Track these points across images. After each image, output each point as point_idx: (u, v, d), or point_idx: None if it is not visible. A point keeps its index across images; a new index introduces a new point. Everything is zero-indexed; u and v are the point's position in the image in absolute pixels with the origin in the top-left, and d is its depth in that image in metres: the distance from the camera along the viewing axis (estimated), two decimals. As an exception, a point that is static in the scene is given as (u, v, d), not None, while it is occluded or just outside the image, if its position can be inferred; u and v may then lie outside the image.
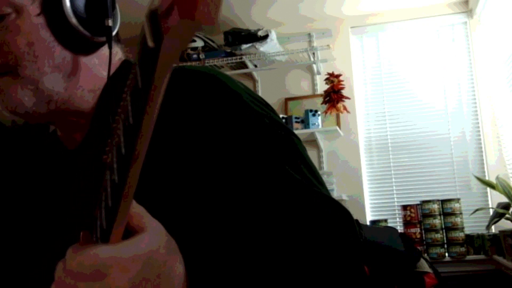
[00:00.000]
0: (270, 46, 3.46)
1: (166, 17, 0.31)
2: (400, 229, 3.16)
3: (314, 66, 3.63)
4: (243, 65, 3.65)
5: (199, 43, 3.56)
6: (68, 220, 0.70)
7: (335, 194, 3.35)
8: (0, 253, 0.76)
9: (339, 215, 0.65)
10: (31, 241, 0.73)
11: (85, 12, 0.66)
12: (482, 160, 3.40)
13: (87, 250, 0.45)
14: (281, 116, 3.42)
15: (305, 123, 3.45)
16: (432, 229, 3.11)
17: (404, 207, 3.24)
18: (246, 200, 0.62)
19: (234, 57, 3.52)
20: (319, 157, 3.59)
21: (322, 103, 3.44)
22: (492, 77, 3.35)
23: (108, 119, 0.70)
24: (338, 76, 3.42)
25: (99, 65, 0.74)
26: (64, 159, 0.76)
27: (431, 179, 3.45)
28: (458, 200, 3.14)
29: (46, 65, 0.68)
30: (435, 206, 3.13)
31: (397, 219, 3.44)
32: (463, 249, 3.05)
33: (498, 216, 2.84)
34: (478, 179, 3.12)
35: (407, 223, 3.20)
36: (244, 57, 3.51)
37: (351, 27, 3.70)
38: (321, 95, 3.49)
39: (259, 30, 3.46)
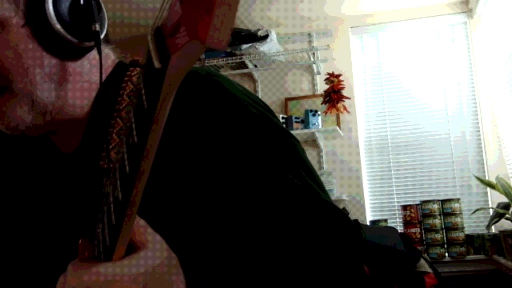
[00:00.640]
0: (270, 46, 3.46)
1: (172, 36, 0.30)
2: (400, 229, 3.16)
3: (314, 66, 3.63)
4: (243, 65, 3.65)
5: (199, 43, 3.56)
6: (68, 220, 0.70)
7: (335, 194, 3.35)
8: (0, 254, 0.76)
9: (337, 221, 0.64)
10: (31, 241, 0.73)
11: (70, 18, 0.64)
12: (482, 160, 3.40)
13: (88, 267, 0.45)
14: (281, 116, 3.42)
15: (305, 123, 3.44)
16: (432, 229, 3.11)
17: (404, 207, 3.24)
18: (246, 205, 0.62)
19: (234, 57, 3.52)
20: (319, 157, 3.59)
21: (322, 103, 3.44)
22: (492, 77, 3.35)
23: (104, 123, 0.70)
24: (338, 76, 3.42)
25: (91, 69, 0.72)
26: (63, 160, 0.75)
27: (431, 179, 3.45)
28: (458, 200, 3.14)
29: (38, 76, 0.67)
30: (435, 206, 3.13)
31: (397, 219, 3.44)
32: (463, 249, 3.05)
33: (498, 216, 2.84)
34: (478, 179, 3.12)
35: (407, 223, 3.20)
36: (244, 57, 3.51)
37: (351, 27, 3.70)
38: (321, 95, 3.49)
39: (259, 30, 3.46)
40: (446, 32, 3.59)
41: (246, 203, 0.62)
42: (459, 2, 3.51)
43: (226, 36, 0.29)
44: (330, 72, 3.46)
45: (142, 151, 0.36)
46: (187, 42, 0.29)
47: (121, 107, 0.69)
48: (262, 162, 0.64)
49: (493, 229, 3.07)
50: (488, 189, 3.26)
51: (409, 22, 3.61)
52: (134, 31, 3.58)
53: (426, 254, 3.05)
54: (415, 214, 3.18)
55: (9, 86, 0.66)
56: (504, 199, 2.87)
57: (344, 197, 3.40)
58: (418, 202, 3.21)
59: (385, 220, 3.32)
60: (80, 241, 0.50)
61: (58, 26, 0.63)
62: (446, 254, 3.10)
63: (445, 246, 3.11)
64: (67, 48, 0.66)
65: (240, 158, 0.63)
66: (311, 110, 3.44)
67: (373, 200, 3.57)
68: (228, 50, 3.54)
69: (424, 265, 2.34)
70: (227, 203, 0.62)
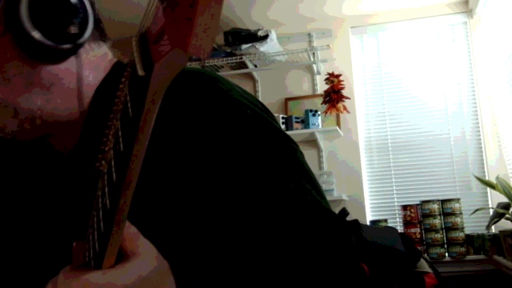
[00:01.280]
0: (270, 46, 3.46)
1: (156, 44, 0.30)
2: (400, 229, 3.16)
3: (314, 66, 3.63)
4: (243, 65, 3.65)
5: (199, 43, 3.56)
6: (67, 220, 0.70)
7: (335, 194, 3.35)
8: (0, 254, 0.76)
9: (333, 228, 0.64)
10: (31, 241, 0.73)
11: (46, 21, 0.62)
12: (482, 160, 3.40)
13: (78, 275, 0.45)
14: (281, 116, 3.42)
15: (305, 123, 3.44)
16: (432, 229, 3.11)
17: (404, 207, 3.24)
18: (240, 210, 0.61)
19: (234, 57, 3.52)
20: (319, 157, 3.59)
21: (322, 103, 3.44)
22: (492, 77, 3.35)
23: (100, 124, 0.70)
24: (338, 76, 3.42)
25: (83, 70, 0.71)
26: (61, 160, 0.75)
27: (431, 179, 3.45)
28: (458, 200, 3.14)
29: (19, 84, 0.65)
30: (435, 206, 3.13)
31: (397, 219, 3.44)
32: (463, 249, 3.05)
33: (498, 216, 2.84)
34: (478, 179, 3.12)
35: (407, 223, 3.20)
36: (244, 57, 3.51)
37: (351, 27, 3.70)
38: (321, 95, 3.49)
39: (259, 30, 3.46)
40: (446, 32, 3.59)
41: (241, 208, 0.61)
42: (459, 2, 3.51)
43: (208, 44, 0.28)
44: (330, 72, 3.46)
45: (128, 159, 0.35)
46: (170, 50, 0.29)
47: (118, 109, 0.69)
48: (258, 166, 0.63)
49: (493, 229, 3.07)
50: (488, 189, 3.26)
51: (409, 22, 3.61)
52: (134, 31, 3.58)
53: (426, 254, 3.05)
54: (415, 214, 3.18)
55: None
56: (504, 199, 2.87)
57: (344, 197, 3.40)
58: (418, 202, 3.21)
59: (385, 220, 3.32)
60: (74, 244, 0.50)
61: (33, 31, 0.62)
62: (446, 254, 3.10)
63: (445, 246, 3.11)
64: (47, 52, 0.64)
65: (235, 162, 0.63)
66: (311, 110, 3.44)
67: (373, 200, 3.57)
68: (228, 50, 3.54)
69: (424, 265, 2.34)
70: (222, 207, 0.62)
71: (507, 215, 2.79)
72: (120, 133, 0.36)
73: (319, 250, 0.62)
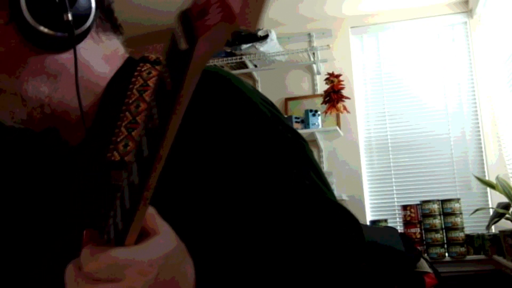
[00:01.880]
0: (270, 46, 3.46)
1: (200, 19, 0.31)
2: (400, 229, 3.16)
3: (314, 66, 3.63)
4: (243, 65, 3.65)
5: (199, 43, 3.56)
6: (67, 220, 0.70)
7: (335, 194, 3.34)
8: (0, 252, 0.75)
9: (345, 222, 0.65)
10: (31, 240, 0.73)
11: (42, 8, 0.63)
12: (482, 160, 3.40)
13: (104, 251, 0.45)
14: (281, 116, 3.42)
15: (305, 123, 3.45)
16: (432, 229, 3.11)
17: (404, 207, 3.24)
18: (254, 203, 0.63)
19: (234, 57, 3.52)
20: (319, 157, 3.58)
21: (322, 103, 3.44)
22: (492, 77, 3.35)
23: (111, 116, 0.70)
24: (338, 76, 3.42)
25: (93, 59, 0.72)
26: (64, 157, 0.75)
27: (431, 179, 3.45)
28: (458, 200, 3.14)
29: (24, 72, 0.66)
30: (435, 206, 3.13)
31: (397, 219, 3.44)
32: (463, 249, 3.05)
33: (498, 216, 2.84)
34: (478, 179, 3.12)
35: (407, 223, 3.20)
36: (244, 57, 3.51)
37: (351, 27, 3.70)
38: (321, 95, 3.49)
39: (259, 30, 3.46)
40: (446, 32, 3.59)
41: (253, 200, 0.63)
42: (459, 2, 3.51)
43: (257, 18, 0.29)
44: (330, 72, 3.46)
45: (163, 133, 0.36)
46: (217, 23, 0.29)
47: (130, 101, 0.69)
48: (273, 161, 0.64)
49: (493, 229, 3.07)
50: (488, 189, 3.26)
51: (409, 22, 3.61)
52: (134, 31, 3.58)
53: (426, 254, 3.05)
54: (415, 214, 3.18)
55: None
56: (504, 199, 2.87)
57: (344, 197, 3.40)
58: (418, 202, 3.21)
59: (385, 220, 3.32)
60: (85, 231, 0.50)
61: (30, 18, 0.63)
62: (446, 254, 3.10)
63: (445, 246, 3.11)
64: (47, 40, 0.65)
65: (250, 158, 0.64)
66: (311, 110, 3.44)
67: (373, 200, 3.57)
68: (228, 50, 3.54)
69: (424, 265, 2.34)
70: (234, 199, 0.63)
71: (507, 215, 2.79)
72: (155, 109, 0.37)
73: (323, 241, 0.62)
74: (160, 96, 0.36)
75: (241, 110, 0.67)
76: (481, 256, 3.01)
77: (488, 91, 3.41)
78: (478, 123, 3.44)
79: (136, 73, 0.73)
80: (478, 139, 3.43)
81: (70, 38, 0.65)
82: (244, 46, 3.45)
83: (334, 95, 3.36)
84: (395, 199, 3.52)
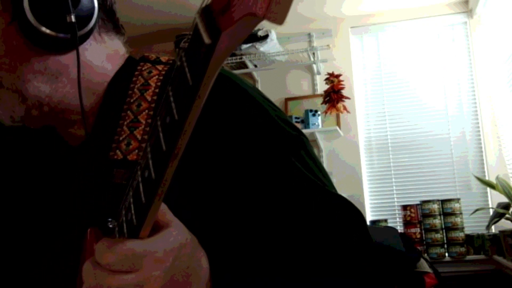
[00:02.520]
0: (270, 46, 3.46)
1: (223, 14, 0.31)
2: (400, 229, 3.16)
3: (314, 66, 3.63)
4: (243, 65, 3.65)
5: (199, 43, 3.56)
6: (68, 219, 0.70)
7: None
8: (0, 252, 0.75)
9: (348, 213, 0.66)
10: (30, 240, 0.73)
11: (45, 9, 0.64)
12: (482, 160, 3.40)
13: (121, 243, 0.46)
14: (281, 116, 3.42)
15: (305, 123, 3.45)
16: (432, 229, 3.11)
17: (404, 207, 3.24)
18: (257, 198, 0.63)
19: (234, 57, 3.52)
20: (319, 157, 3.58)
21: (322, 103, 3.44)
22: (492, 77, 3.35)
23: (113, 116, 0.70)
24: (338, 76, 3.42)
25: (95, 60, 0.72)
26: (64, 157, 0.75)
27: (431, 179, 3.45)
28: (458, 200, 3.14)
29: (26, 71, 0.67)
30: (435, 206, 3.13)
31: (397, 219, 3.44)
32: (463, 249, 3.05)
33: (498, 216, 2.84)
34: (478, 179, 3.12)
35: (407, 223, 3.20)
36: (244, 57, 3.51)
37: (351, 27, 3.70)
38: (321, 95, 3.49)
39: (259, 30, 3.46)
40: (446, 32, 3.59)
41: (256, 194, 0.64)
42: (459, 2, 3.51)
43: (285, 11, 0.28)
44: (330, 72, 3.46)
45: (182, 127, 0.36)
46: (242, 17, 0.29)
47: (131, 100, 0.70)
48: (272, 154, 0.65)
49: (493, 229, 3.07)
50: (488, 189, 3.26)
51: (409, 22, 3.61)
52: (135, 31, 3.58)
53: (426, 254, 3.05)
54: (415, 214, 3.18)
55: None
56: (504, 199, 2.87)
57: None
58: (418, 202, 3.21)
59: (385, 220, 3.32)
60: (89, 229, 0.50)
61: (33, 19, 0.63)
62: (446, 254, 3.10)
63: (445, 246, 3.11)
64: (49, 41, 0.65)
65: (251, 152, 0.65)
66: (311, 110, 3.44)
67: (373, 200, 3.57)
68: (228, 50, 3.53)
69: (424, 265, 2.34)
70: (238, 194, 0.64)
71: (507, 215, 2.79)
72: (173, 104, 0.37)
73: (330, 232, 0.63)
74: (180, 90, 0.36)
75: (242, 106, 0.67)
76: (481, 256, 3.00)
77: (488, 91, 3.41)
78: (478, 123, 3.44)
79: (136, 73, 0.73)
80: (478, 139, 3.43)
81: (73, 40, 0.65)
82: (244, 46, 3.45)
83: (334, 95, 3.36)
84: (395, 199, 3.51)
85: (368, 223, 3.33)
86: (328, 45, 3.54)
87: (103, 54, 0.73)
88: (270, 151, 0.66)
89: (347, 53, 3.67)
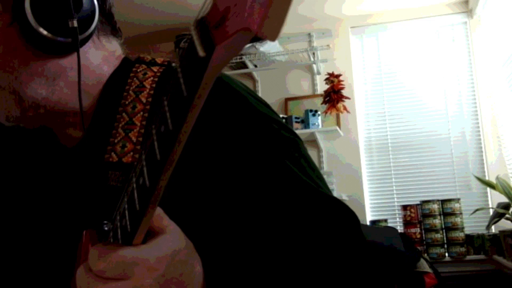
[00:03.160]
0: (270, 46, 3.46)
1: (218, 27, 0.31)
2: (400, 229, 3.16)
3: (314, 66, 3.63)
4: (243, 65, 3.65)
5: (199, 43, 3.56)
6: (62, 221, 0.70)
7: (335, 194, 3.34)
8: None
9: (345, 217, 0.66)
10: (25, 241, 0.73)
11: (47, 13, 0.64)
12: (482, 160, 3.40)
13: (113, 251, 0.46)
14: (281, 116, 3.42)
15: (305, 123, 3.45)
16: (432, 229, 3.11)
17: (404, 207, 3.24)
18: (253, 199, 0.63)
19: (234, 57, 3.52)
20: (319, 157, 3.59)
21: (322, 103, 3.44)
22: (492, 77, 3.35)
23: (108, 118, 0.70)
24: (338, 76, 3.42)
25: (92, 62, 0.72)
26: (60, 158, 0.75)
27: (431, 179, 3.45)
28: (458, 200, 3.14)
29: (24, 74, 0.67)
30: (435, 206, 3.13)
31: (397, 219, 3.44)
32: (463, 249, 3.05)
33: (498, 216, 2.84)
34: (478, 179, 3.12)
35: (407, 223, 3.20)
36: (244, 57, 3.51)
37: (351, 27, 3.70)
38: (321, 95, 3.49)
39: (259, 30, 3.46)
40: (446, 32, 3.59)
41: (250, 196, 0.64)
42: (459, 2, 3.51)
43: (278, 29, 0.29)
44: (330, 72, 3.46)
45: (176, 138, 0.37)
46: (235, 32, 0.29)
47: (126, 102, 0.70)
48: (266, 156, 0.65)
49: (493, 229, 3.07)
50: (488, 189, 3.26)
51: (409, 22, 3.61)
52: (135, 31, 3.58)
53: (426, 254, 3.05)
54: (415, 214, 3.18)
55: None
56: (504, 199, 2.87)
57: (344, 197, 3.40)
58: (418, 202, 3.21)
59: (385, 220, 3.32)
60: (84, 232, 0.50)
61: (34, 23, 0.63)
62: (446, 254, 3.10)
63: (445, 246, 3.11)
64: (50, 44, 0.65)
65: (245, 154, 0.65)
66: (311, 110, 3.44)
67: (373, 200, 3.57)
68: (228, 50, 3.53)
69: (424, 265, 2.34)
70: (232, 197, 0.64)
71: (507, 215, 2.79)
72: (168, 114, 0.37)
73: (324, 234, 0.63)
74: (175, 100, 0.37)
75: (235, 109, 0.67)
76: (481, 256, 3.00)
77: (488, 91, 3.41)
78: (478, 123, 3.44)
79: (132, 74, 0.73)
80: (478, 139, 3.43)
81: (74, 43, 0.65)
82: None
83: (334, 95, 3.36)
84: (395, 199, 3.52)
85: (368, 223, 3.34)
86: (328, 45, 3.54)
87: (100, 57, 0.73)
88: (264, 154, 0.66)
89: (347, 53, 3.67)
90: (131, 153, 0.66)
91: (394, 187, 3.53)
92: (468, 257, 3.04)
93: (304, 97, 3.66)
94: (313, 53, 3.57)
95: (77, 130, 0.73)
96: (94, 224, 0.55)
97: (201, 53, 0.32)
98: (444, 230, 3.12)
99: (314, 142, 3.51)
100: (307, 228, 0.63)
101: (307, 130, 3.39)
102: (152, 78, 0.72)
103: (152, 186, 0.40)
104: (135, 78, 0.72)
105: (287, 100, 3.70)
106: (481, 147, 3.41)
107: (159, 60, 0.76)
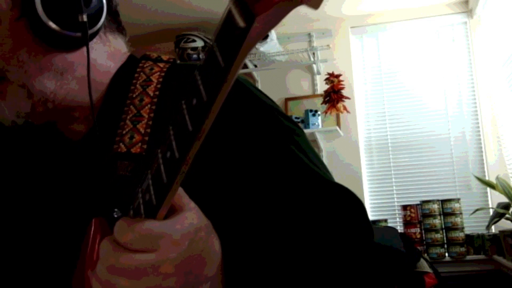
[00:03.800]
0: (270, 46, 3.46)
1: (258, 0, 0.31)
2: (400, 229, 3.16)
3: (314, 66, 3.63)
4: (243, 65, 3.64)
5: (199, 43, 3.56)
6: (71, 210, 0.70)
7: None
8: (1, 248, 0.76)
9: (351, 202, 0.67)
10: (34, 234, 0.73)
11: (57, 8, 0.64)
12: (482, 160, 3.40)
13: (140, 223, 0.47)
14: (281, 116, 3.42)
15: (305, 123, 3.45)
16: (432, 229, 3.11)
17: (404, 207, 3.24)
18: (260, 186, 0.65)
19: (234, 57, 3.52)
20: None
21: (322, 103, 3.45)
22: (492, 77, 3.35)
23: (115, 111, 0.71)
24: (338, 76, 3.42)
25: (99, 58, 0.73)
26: (67, 151, 0.76)
27: (431, 179, 3.45)
28: (458, 200, 3.14)
29: (33, 67, 0.67)
30: (435, 206, 3.13)
31: (397, 219, 3.44)
32: (463, 249, 3.05)
33: (498, 216, 2.84)
34: (478, 179, 3.12)
35: (407, 223, 3.20)
36: (244, 57, 3.50)
37: (351, 27, 3.70)
38: (321, 95, 3.49)
39: (259, 30, 3.46)
40: (446, 32, 3.59)
41: (258, 186, 0.65)
42: (459, 2, 3.51)
43: None
44: (330, 72, 3.46)
45: (210, 108, 0.37)
46: (279, 1, 0.30)
47: (134, 95, 0.71)
48: (272, 145, 0.67)
49: (493, 229, 3.07)
50: (488, 189, 3.26)
51: (409, 22, 3.61)
52: (134, 31, 3.59)
53: (426, 254, 3.05)
54: (415, 214, 3.18)
55: (5, 76, 0.67)
56: (504, 199, 2.87)
57: (344, 197, 3.40)
58: (418, 202, 3.22)
59: (385, 220, 3.32)
60: (94, 219, 0.50)
61: (44, 17, 0.64)
62: (446, 254, 3.10)
63: (445, 246, 3.11)
64: (59, 38, 0.66)
65: (251, 143, 0.66)
66: (311, 110, 3.45)
67: (373, 200, 3.57)
68: (228, 50, 3.53)
69: (424, 265, 2.34)
70: (240, 186, 0.65)
71: (507, 215, 2.79)
72: (201, 86, 0.38)
73: (331, 222, 0.64)
74: (209, 73, 0.37)
75: (242, 98, 0.69)
76: (481, 256, 3.01)
77: (488, 91, 3.41)
78: (478, 123, 3.44)
79: (138, 69, 0.75)
80: (478, 139, 3.43)
81: (83, 38, 0.66)
82: (244, 46, 3.45)
83: (334, 95, 3.36)
84: (395, 199, 3.52)
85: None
86: (328, 45, 3.54)
87: (107, 53, 0.75)
88: (270, 140, 0.67)
89: (347, 53, 3.67)
90: (139, 144, 0.67)
91: (394, 187, 3.53)
92: (468, 257, 3.04)
93: (304, 97, 3.66)
94: (313, 53, 3.57)
95: (81, 125, 0.74)
96: (103, 212, 0.55)
97: (241, 23, 0.33)
98: (444, 230, 3.12)
99: (314, 142, 3.51)
100: (314, 214, 0.64)
101: (307, 130, 3.39)
102: (159, 73, 0.74)
103: (182, 156, 0.41)
104: (142, 73, 0.74)
105: (287, 100, 3.70)
106: (481, 147, 3.41)
107: (165, 57, 0.78)
